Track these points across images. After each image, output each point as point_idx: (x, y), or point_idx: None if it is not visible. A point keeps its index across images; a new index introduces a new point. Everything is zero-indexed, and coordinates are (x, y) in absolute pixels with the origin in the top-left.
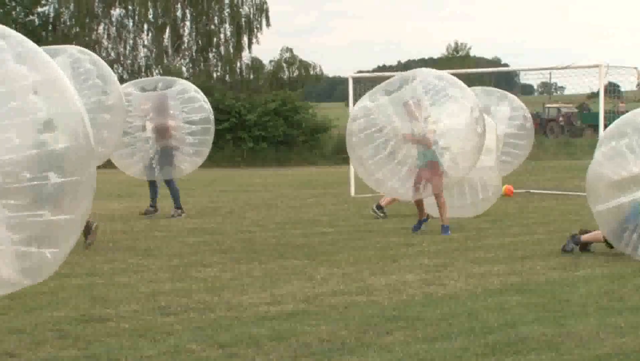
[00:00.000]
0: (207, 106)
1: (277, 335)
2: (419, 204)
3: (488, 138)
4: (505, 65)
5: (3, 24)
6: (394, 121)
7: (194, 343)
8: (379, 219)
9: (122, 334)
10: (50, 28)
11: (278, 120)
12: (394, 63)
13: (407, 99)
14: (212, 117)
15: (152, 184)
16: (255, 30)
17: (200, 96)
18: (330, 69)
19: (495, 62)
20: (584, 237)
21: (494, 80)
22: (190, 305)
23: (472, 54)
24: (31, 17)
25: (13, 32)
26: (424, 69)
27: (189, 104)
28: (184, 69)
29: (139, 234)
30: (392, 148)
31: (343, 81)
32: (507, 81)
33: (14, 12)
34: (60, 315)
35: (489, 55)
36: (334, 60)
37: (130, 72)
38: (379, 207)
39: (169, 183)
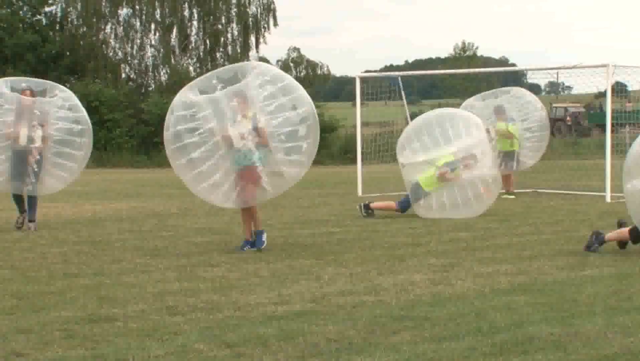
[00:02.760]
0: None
1: (285, 335)
2: (248, 219)
3: (481, 137)
4: (513, 65)
5: (10, 23)
6: (215, 119)
7: (202, 343)
8: (365, 217)
9: (130, 334)
10: (57, 28)
11: None
12: (401, 63)
13: (238, 91)
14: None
15: (21, 197)
16: (262, 30)
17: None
18: (338, 69)
19: (503, 61)
20: (609, 236)
21: (501, 80)
22: (197, 305)
23: (479, 53)
24: (38, 17)
25: None
26: (261, 62)
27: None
28: (191, 68)
29: (146, 234)
30: (213, 150)
31: (350, 81)
32: (514, 80)
33: (21, 12)
34: (68, 315)
35: (496, 55)
36: (342, 60)
37: (137, 72)
38: (367, 207)
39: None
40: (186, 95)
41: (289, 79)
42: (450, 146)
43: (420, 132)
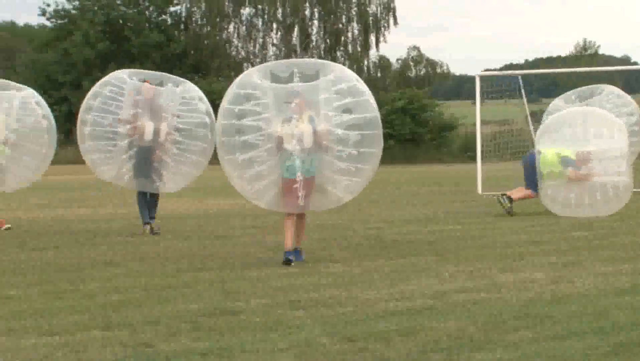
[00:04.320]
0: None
1: (406, 330)
2: (292, 227)
3: (622, 142)
4: (635, 63)
5: (137, 23)
6: (273, 111)
7: (325, 337)
8: (504, 209)
9: (254, 327)
10: (182, 27)
11: (405, 118)
12: (522, 61)
13: (301, 92)
14: (208, 121)
15: (146, 195)
16: (382, 29)
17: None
18: (457, 68)
19: (625, 60)
20: None
21: (623, 79)
22: (320, 300)
23: (600, 52)
24: (164, 17)
25: None
26: (340, 66)
27: (185, 107)
28: None
29: (269, 229)
30: (264, 141)
31: (470, 80)
32: (637, 79)
33: (147, 12)
34: (194, 307)
35: (618, 53)
36: (461, 58)
37: None
38: (510, 199)
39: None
40: (250, 77)
41: (357, 82)
42: (588, 144)
43: (563, 124)
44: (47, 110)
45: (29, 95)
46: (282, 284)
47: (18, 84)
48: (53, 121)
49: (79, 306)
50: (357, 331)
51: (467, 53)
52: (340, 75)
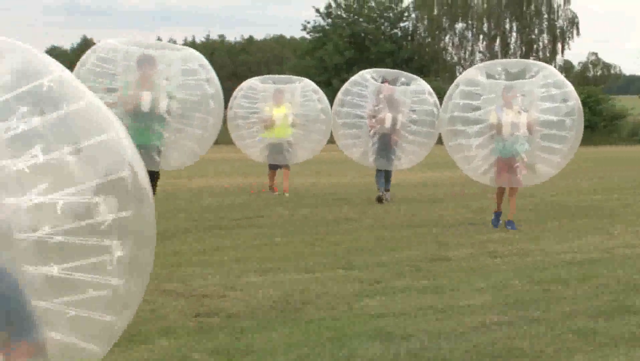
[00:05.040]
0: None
1: (582, 276)
2: (501, 196)
3: None
4: None
5: (375, 35)
6: (494, 105)
7: (516, 280)
8: None
9: (460, 271)
10: (409, 38)
11: (584, 109)
12: None
13: (516, 86)
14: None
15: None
16: (567, 38)
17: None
18: (628, 68)
19: None
20: None
21: None
22: (513, 251)
23: None
24: (395, 30)
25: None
26: (547, 65)
27: (417, 102)
28: None
29: (473, 195)
30: (484, 130)
31: (638, 79)
32: None
33: (382, 27)
34: (415, 254)
35: None
36: (631, 60)
37: None
38: None
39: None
40: (474, 74)
41: (561, 76)
42: None
43: None
44: (321, 94)
45: (307, 84)
46: (483, 238)
47: (298, 77)
48: (327, 103)
49: (327, 251)
50: (542, 276)
51: (636, 57)
52: (547, 72)
